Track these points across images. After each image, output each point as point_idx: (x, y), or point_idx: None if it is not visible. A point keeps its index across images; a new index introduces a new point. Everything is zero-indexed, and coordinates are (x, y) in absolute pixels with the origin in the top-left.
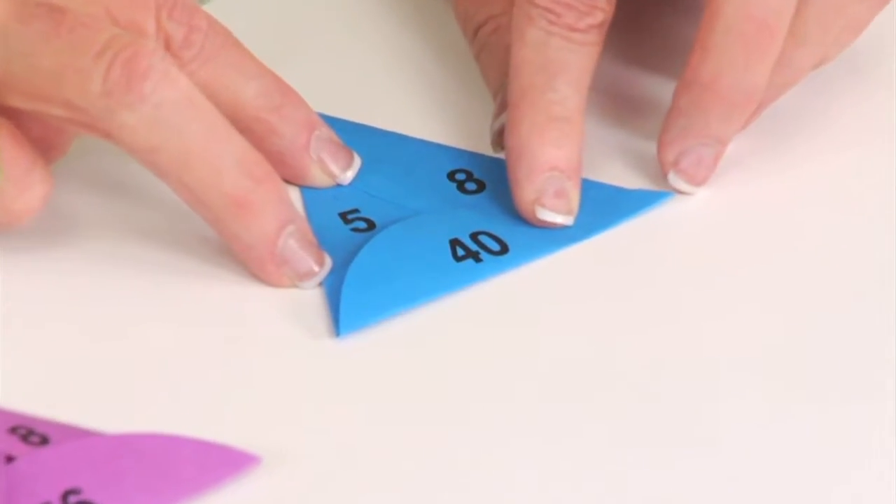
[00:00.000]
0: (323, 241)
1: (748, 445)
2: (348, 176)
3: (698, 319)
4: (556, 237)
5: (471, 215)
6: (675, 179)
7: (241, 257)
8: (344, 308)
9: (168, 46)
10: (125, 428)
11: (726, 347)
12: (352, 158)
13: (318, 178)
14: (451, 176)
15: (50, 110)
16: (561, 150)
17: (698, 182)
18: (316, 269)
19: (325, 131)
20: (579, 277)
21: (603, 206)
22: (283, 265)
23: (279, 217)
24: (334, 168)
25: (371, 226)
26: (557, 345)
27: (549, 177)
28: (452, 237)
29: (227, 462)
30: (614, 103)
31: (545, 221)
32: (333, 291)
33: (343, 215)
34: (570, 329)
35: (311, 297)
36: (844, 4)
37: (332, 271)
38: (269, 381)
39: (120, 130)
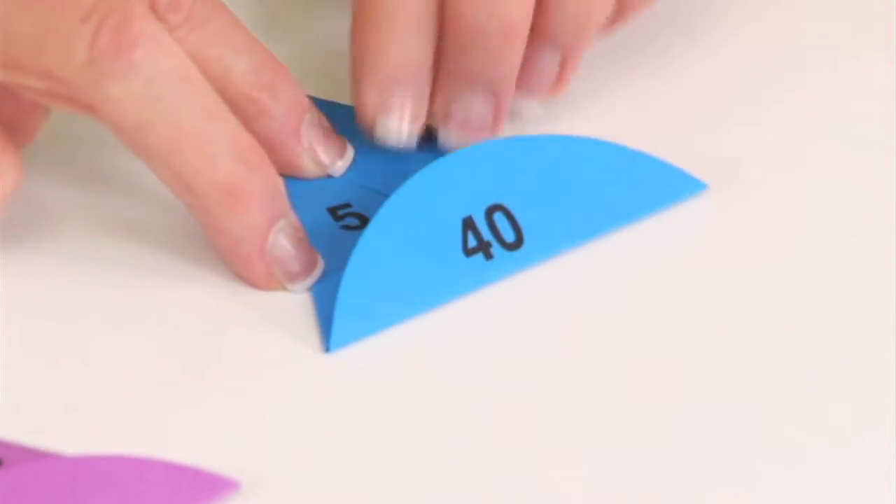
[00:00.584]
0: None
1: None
2: (339, 167)
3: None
4: (575, 227)
5: (485, 183)
6: (445, 134)
7: (226, 253)
8: (337, 321)
9: (152, 8)
10: (87, 450)
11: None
12: (344, 148)
13: (308, 168)
14: (332, 211)
15: (26, 81)
16: (407, 56)
17: (473, 139)
18: (307, 270)
19: (315, 116)
20: (587, 277)
21: (633, 189)
22: (272, 264)
23: (271, 210)
24: (325, 157)
25: (364, 222)
26: (561, 358)
27: (390, 87)
28: (465, 215)
29: (202, 487)
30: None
31: (387, 136)
32: (323, 300)
33: (333, 210)
34: (575, 338)
35: (296, 304)
36: None
37: (321, 279)
38: (249, 398)
39: (105, 104)
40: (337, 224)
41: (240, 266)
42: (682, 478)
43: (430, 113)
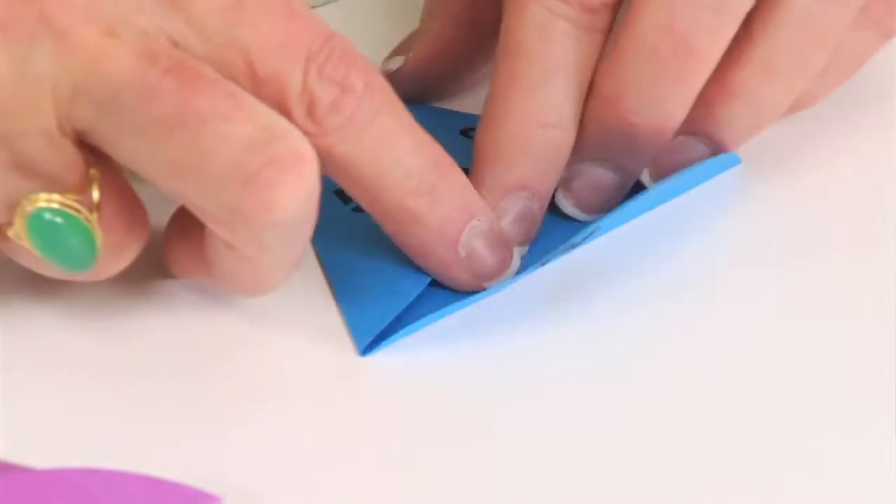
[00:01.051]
0: (320, 225)
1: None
2: (499, 280)
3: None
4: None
5: None
6: (562, 200)
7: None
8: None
9: (311, 111)
10: (60, 462)
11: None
12: (509, 261)
13: (462, 280)
14: (464, 133)
15: (163, 189)
16: (538, 167)
17: (588, 210)
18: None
19: (486, 222)
20: (600, 274)
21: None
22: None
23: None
24: (483, 270)
25: None
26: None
27: (516, 197)
28: None
29: (181, 502)
30: None
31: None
32: (346, 298)
33: (340, 193)
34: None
35: (282, 307)
36: (829, 32)
37: (337, 266)
38: (230, 409)
39: (231, 237)
40: (347, 207)
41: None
42: (686, 479)
43: None
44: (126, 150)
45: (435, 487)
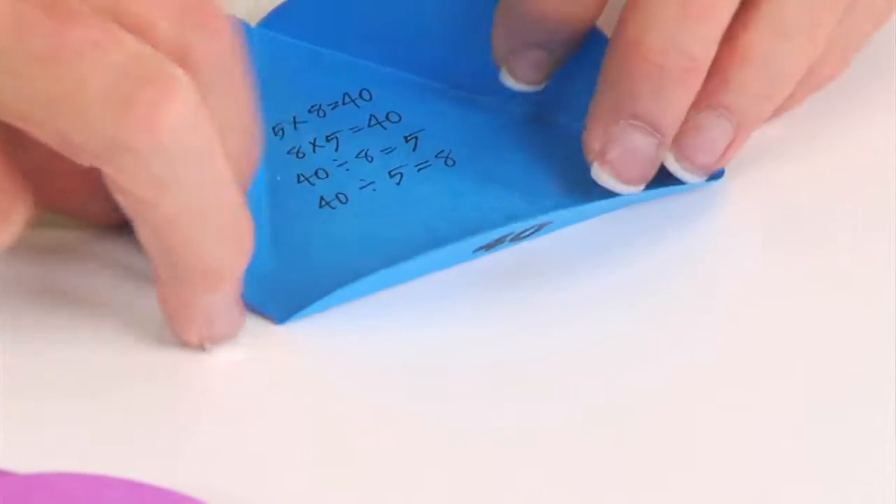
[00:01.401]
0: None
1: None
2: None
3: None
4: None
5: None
6: (598, 173)
7: (169, 310)
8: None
9: (182, 61)
10: (41, 467)
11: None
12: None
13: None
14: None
15: (40, 135)
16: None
17: (628, 180)
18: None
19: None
20: (583, 275)
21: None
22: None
23: (231, 326)
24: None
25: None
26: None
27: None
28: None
29: None
30: None
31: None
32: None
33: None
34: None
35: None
36: None
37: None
38: (214, 412)
39: (119, 174)
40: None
41: (172, 316)
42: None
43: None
44: (2, 92)
45: (415, 484)
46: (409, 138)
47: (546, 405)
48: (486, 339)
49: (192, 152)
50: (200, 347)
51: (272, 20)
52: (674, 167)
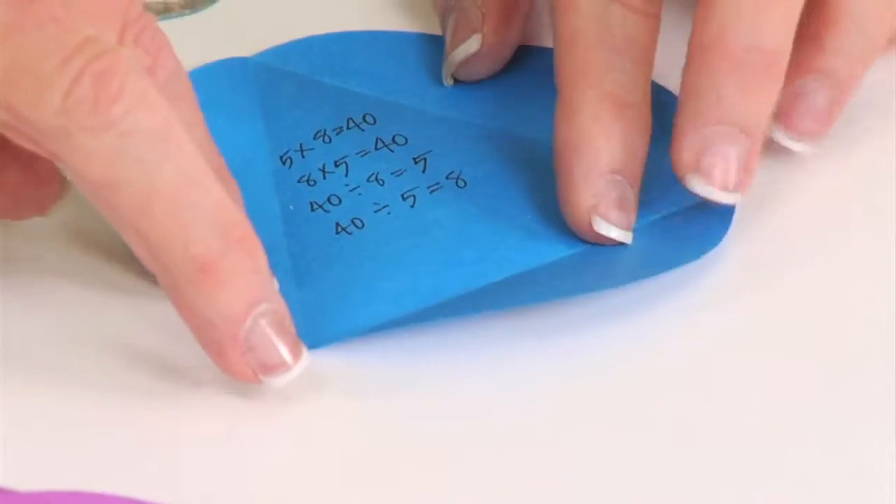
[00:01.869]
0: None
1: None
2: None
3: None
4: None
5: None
6: (695, 183)
7: (198, 335)
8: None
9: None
10: (42, 485)
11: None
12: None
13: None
14: None
15: None
16: (626, 148)
17: (724, 186)
18: (289, 361)
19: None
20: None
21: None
22: (248, 352)
23: (251, 291)
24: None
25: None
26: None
27: (610, 181)
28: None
29: None
30: None
31: (601, 235)
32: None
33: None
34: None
35: None
36: None
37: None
38: (218, 432)
39: (72, 155)
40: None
41: (211, 351)
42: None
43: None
44: None
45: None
46: (417, 160)
47: (555, 416)
48: (500, 354)
49: (148, 132)
50: (255, 380)
51: (268, 55)
52: (781, 139)
